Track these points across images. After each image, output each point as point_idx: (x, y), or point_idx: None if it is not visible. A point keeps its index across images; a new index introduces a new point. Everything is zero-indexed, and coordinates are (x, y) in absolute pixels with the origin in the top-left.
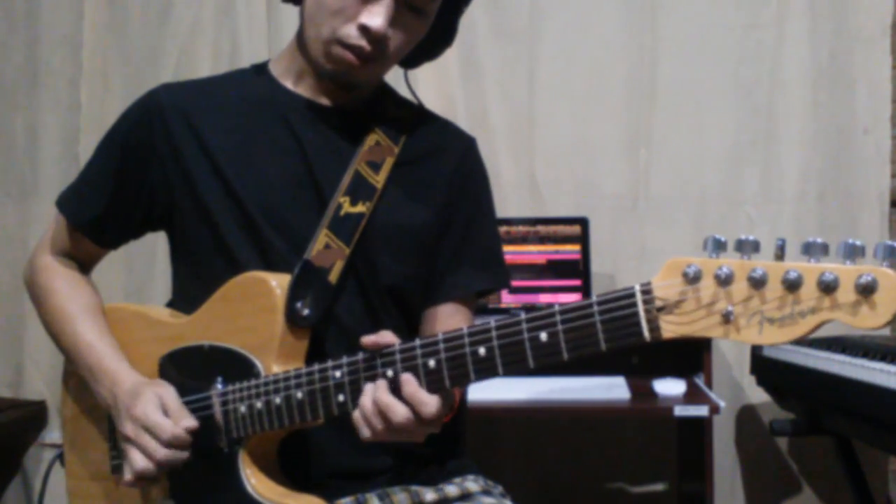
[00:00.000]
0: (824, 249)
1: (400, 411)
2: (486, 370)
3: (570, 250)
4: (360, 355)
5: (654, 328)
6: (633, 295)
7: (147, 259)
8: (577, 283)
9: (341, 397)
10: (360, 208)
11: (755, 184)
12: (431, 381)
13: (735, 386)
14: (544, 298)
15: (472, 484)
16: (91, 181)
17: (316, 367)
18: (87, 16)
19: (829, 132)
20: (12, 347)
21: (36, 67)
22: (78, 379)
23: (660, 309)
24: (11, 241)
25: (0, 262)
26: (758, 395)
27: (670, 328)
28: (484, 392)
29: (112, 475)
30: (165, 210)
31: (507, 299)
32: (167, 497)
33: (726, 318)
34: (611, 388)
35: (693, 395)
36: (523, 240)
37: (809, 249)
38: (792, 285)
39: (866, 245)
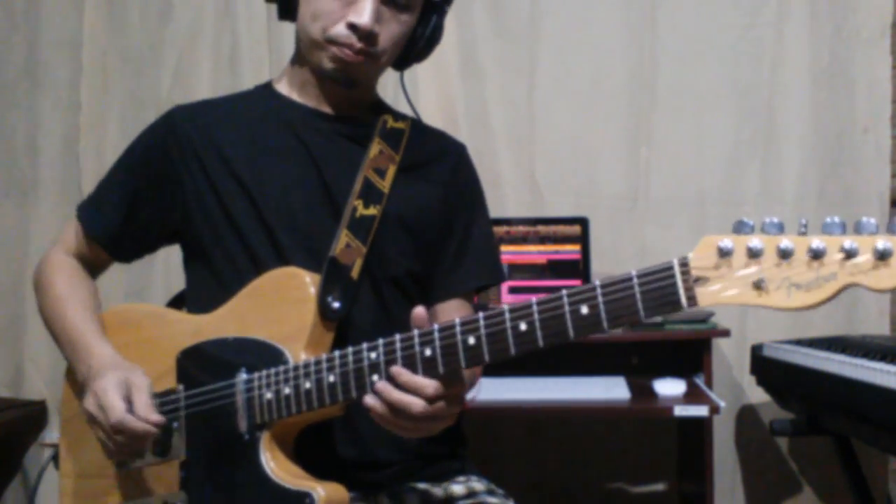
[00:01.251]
0: (842, 227)
1: (428, 385)
2: (526, 343)
3: (570, 250)
4: (397, 335)
5: (691, 297)
6: (671, 268)
7: (147, 260)
8: (577, 283)
9: (376, 377)
10: (372, 210)
11: (755, 184)
12: (470, 358)
13: (735, 386)
14: None
15: (477, 483)
16: (110, 195)
17: (350, 349)
18: (87, 16)
19: (829, 132)
20: (12, 347)
21: (36, 67)
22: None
23: (696, 280)
24: (11, 241)
25: (0, 262)
26: (758, 395)
27: (706, 295)
28: (484, 392)
29: (116, 470)
30: (182, 225)
31: (506, 299)
32: (178, 489)
33: (757, 286)
34: (611, 388)
35: (693, 395)
36: (523, 240)
37: (828, 228)
38: (816, 254)
39: (879, 225)
